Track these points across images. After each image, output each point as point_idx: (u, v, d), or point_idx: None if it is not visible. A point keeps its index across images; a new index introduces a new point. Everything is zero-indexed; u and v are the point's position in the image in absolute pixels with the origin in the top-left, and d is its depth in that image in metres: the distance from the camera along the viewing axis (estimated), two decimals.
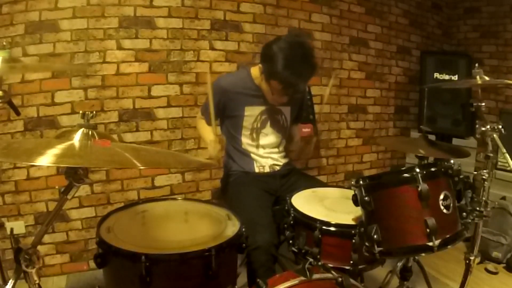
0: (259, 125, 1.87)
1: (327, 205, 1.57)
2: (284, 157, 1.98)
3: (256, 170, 1.90)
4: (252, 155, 1.90)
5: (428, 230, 1.12)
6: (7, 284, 0.86)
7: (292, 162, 2.04)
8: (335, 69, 3.10)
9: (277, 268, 1.62)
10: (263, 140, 1.90)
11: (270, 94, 1.78)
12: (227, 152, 1.98)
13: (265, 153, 1.91)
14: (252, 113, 1.84)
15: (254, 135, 1.88)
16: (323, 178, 3.14)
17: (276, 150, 1.94)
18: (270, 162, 1.91)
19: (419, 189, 1.13)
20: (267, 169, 1.91)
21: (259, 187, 1.81)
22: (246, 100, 1.82)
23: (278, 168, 1.93)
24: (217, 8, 2.61)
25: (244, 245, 1.30)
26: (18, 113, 1.63)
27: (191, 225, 1.40)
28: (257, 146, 1.90)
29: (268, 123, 1.88)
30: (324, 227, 1.36)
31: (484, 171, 1.50)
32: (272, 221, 1.61)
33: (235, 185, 1.87)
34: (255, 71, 1.82)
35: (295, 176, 1.95)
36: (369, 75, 3.30)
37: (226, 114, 1.86)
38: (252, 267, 1.52)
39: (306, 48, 1.66)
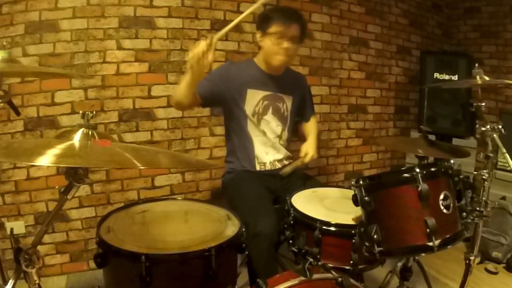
0: (261, 110, 1.90)
1: (327, 205, 1.57)
2: (287, 155, 1.99)
3: (257, 167, 1.90)
4: (255, 144, 1.90)
5: (428, 230, 1.12)
6: (7, 284, 0.86)
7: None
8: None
9: (277, 268, 1.62)
10: (265, 128, 1.92)
11: (273, 51, 1.79)
12: (229, 149, 2.00)
13: (268, 143, 1.92)
14: (254, 96, 1.88)
15: (256, 120, 1.90)
16: (323, 178, 3.15)
17: (277, 140, 1.95)
18: (271, 157, 1.92)
19: (419, 189, 1.13)
20: (268, 167, 1.92)
21: (260, 184, 1.82)
22: (249, 83, 1.87)
23: (279, 166, 1.93)
24: (217, 8, 2.61)
25: (244, 245, 1.30)
26: (18, 113, 1.63)
27: (191, 225, 1.40)
28: (264, 134, 1.92)
29: (270, 110, 1.92)
30: (324, 227, 1.36)
31: (484, 171, 1.50)
32: (273, 209, 1.61)
33: (236, 181, 1.88)
34: (257, 59, 1.91)
35: (295, 176, 1.95)
36: (369, 75, 3.30)
37: (229, 96, 1.86)
38: (254, 256, 1.51)
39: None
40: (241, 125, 1.90)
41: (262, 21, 1.82)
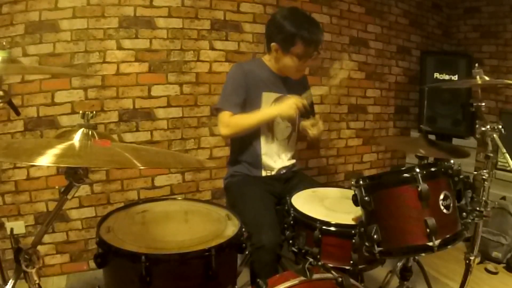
0: None
1: (327, 205, 1.57)
2: (292, 157, 1.99)
3: (263, 174, 1.90)
4: (264, 151, 1.88)
5: (428, 230, 1.12)
6: (7, 284, 0.86)
7: (297, 163, 2.04)
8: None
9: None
10: (276, 129, 1.90)
11: (295, 69, 1.78)
12: (234, 152, 1.98)
13: (277, 149, 1.91)
14: (268, 99, 1.85)
15: (270, 122, 1.87)
16: (323, 178, 3.15)
17: (286, 142, 1.94)
18: (279, 165, 1.91)
19: (419, 189, 1.13)
20: (274, 172, 1.91)
21: (263, 188, 1.81)
22: (264, 86, 1.84)
23: (284, 171, 1.93)
24: (217, 8, 2.61)
25: (244, 245, 1.30)
26: (18, 113, 1.63)
27: (191, 225, 1.40)
28: (272, 138, 1.90)
29: None
30: (324, 227, 1.36)
31: (484, 171, 1.50)
32: (276, 221, 1.61)
33: (239, 185, 1.86)
34: (266, 59, 1.88)
35: (297, 178, 1.95)
36: (369, 75, 3.30)
37: (248, 101, 1.83)
38: (256, 267, 1.52)
39: (303, 11, 1.84)
40: (255, 130, 1.87)
41: (284, 39, 1.73)
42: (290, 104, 1.71)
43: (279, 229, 1.56)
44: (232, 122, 1.78)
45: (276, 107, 1.78)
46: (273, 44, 1.77)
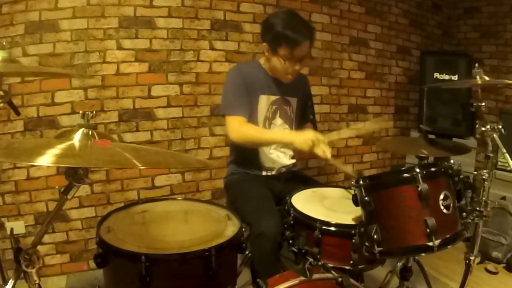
0: (270, 115, 1.88)
1: (327, 205, 1.57)
2: (291, 156, 1.99)
3: (263, 173, 1.90)
4: (263, 152, 1.88)
5: (428, 230, 1.12)
6: (7, 284, 0.86)
7: (297, 163, 2.04)
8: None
9: (279, 269, 1.62)
10: (274, 130, 1.89)
11: (283, 71, 1.76)
12: (234, 152, 1.97)
13: (275, 149, 1.91)
14: (265, 101, 1.85)
15: (267, 125, 1.87)
16: (323, 178, 3.15)
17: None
18: (278, 165, 1.91)
19: (419, 189, 1.13)
20: (274, 172, 1.91)
21: (264, 185, 1.82)
22: (261, 88, 1.83)
23: (284, 170, 1.93)
24: (217, 8, 2.61)
25: (244, 245, 1.30)
26: (18, 113, 1.63)
27: (191, 225, 1.40)
28: None
29: (278, 113, 1.89)
30: (324, 227, 1.36)
31: (484, 171, 1.50)
32: (276, 210, 1.60)
33: (239, 182, 1.87)
34: (262, 61, 1.87)
35: (298, 178, 1.95)
36: (369, 75, 3.30)
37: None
38: (256, 257, 1.50)
39: (298, 13, 1.79)
40: None
41: (271, 39, 1.71)
42: (306, 140, 1.60)
43: (279, 217, 1.53)
44: (244, 129, 1.73)
45: (292, 134, 1.77)
46: (264, 44, 1.77)
